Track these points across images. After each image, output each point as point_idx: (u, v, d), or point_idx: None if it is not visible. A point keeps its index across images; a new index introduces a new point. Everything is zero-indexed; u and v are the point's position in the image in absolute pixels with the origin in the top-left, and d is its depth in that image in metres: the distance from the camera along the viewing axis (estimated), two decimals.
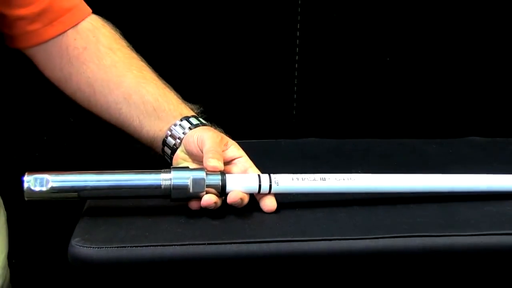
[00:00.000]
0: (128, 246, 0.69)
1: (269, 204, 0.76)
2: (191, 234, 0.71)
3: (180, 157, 0.81)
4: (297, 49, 1.25)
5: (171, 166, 0.76)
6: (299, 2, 1.22)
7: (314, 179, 0.77)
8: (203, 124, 0.83)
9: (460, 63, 1.28)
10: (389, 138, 1.08)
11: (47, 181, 0.71)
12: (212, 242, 0.70)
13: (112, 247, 0.68)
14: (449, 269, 0.76)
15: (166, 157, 0.84)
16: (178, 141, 0.82)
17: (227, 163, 0.78)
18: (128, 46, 0.88)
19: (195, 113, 0.85)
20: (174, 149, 0.82)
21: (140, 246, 0.69)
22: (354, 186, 0.78)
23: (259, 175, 0.76)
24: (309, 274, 0.75)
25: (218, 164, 0.74)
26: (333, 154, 1.01)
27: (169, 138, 0.83)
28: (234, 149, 0.80)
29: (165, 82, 0.88)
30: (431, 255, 0.74)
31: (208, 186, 0.74)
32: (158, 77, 0.87)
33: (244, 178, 0.76)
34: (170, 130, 0.82)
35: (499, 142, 1.09)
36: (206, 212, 0.75)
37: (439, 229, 0.74)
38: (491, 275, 0.78)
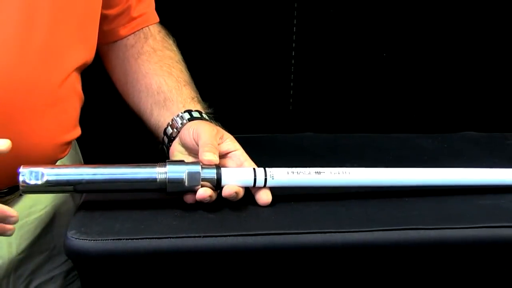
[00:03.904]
0: (123, 239, 0.69)
1: (264, 197, 0.76)
2: (187, 226, 0.71)
3: (177, 150, 0.82)
4: (294, 44, 1.25)
5: (167, 160, 0.76)
6: None
7: (309, 173, 0.77)
8: (203, 119, 0.83)
9: (456, 59, 1.28)
10: (384, 132, 1.09)
11: (42, 175, 0.71)
12: (208, 234, 0.70)
13: (108, 240, 0.69)
14: (444, 261, 0.76)
15: (164, 147, 0.84)
16: (176, 131, 0.83)
17: (222, 156, 0.78)
18: (173, 51, 0.93)
19: (203, 110, 0.86)
20: (171, 139, 0.83)
21: (136, 239, 0.69)
22: (349, 180, 0.78)
23: (254, 169, 0.76)
24: (304, 266, 0.75)
25: (213, 157, 0.75)
26: (329, 149, 1.02)
27: (169, 128, 0.84)
28: (229, 143, 0.80)
29: (191, 83, 0.90)
30: (426, 248, 0.74)
31: (203, 179, 0.74)
32: (186, 77, 0.90)
33: (239, 172, 0.76)
34: (172, 120, 0.84)
35: (495, 137, 1.09)
36: (201, 205, 0.75)
37: (434, 222, 0.74)
38: (485, 268, 0.78)
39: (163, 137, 0.85)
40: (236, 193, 0.75)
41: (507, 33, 1.27)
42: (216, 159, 0.75)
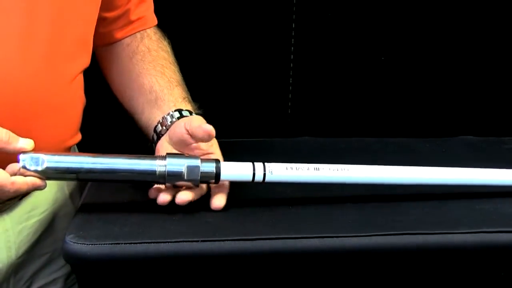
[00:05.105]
0: (122, 243, 0.69)
1: (217, 202, 0.77)
2: (185, 231, 0.71)
3: (163, 147, 0.82)
4: (292, 48, 1.25)
5: (167, 153, 0.76)
6: (294, 1, 1.22)
7: (308, 169, 0.77)
8: None
9: (453, 64, 1.28)
10: (382, 137, 1.09)
11: (43, 161, 0.71)
12: (206, 239, 0.70)
13: (106, 244, 0.69)
14: (442, 266, 0.76)
15: (153, 144, 0.85)
16: (165, 128, 0.83)
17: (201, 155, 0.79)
18: (167, 52, 0.94)
19: (194, 110, 0.86)
20: (159, 136, 0.84)
21: (134, 243, 0.69)
22: (347, 177, 0.78)
23: (253, 163, 0.76)
24: (302, 271, 0.75)
25: (212, 128, 0.76)
26: (327, 153, 1.02)
27: (159, 125, 0.84)
28: (210, 144, 0.81)
29: (183, 84, 0.90)
30: (424, 253, 0.74)
31: (202, 173, 0.74)
32: (178, 78, 0.91)
33: (238, 166, 0.76)
34: (162, 118, 0.84)
35: (491, 141, 1.09)
36: (199, 209, 0.76)
37: (431, 226, 0.75)
38: (483, 272, 0.78)
39: (152, 135, 0.86)
40: (190, 200, 0.76)
41: (503, 38, 1.27)
42: (214, 131, 0.76)
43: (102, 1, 0.86)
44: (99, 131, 1.07)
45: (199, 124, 0.78)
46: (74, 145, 0.87)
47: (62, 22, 0.78)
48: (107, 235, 0.70)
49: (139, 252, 0.69)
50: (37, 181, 0.72)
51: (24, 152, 0.71)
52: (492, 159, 0.99)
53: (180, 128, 0.80)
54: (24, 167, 0.71)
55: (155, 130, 0.85)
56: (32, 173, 0.71)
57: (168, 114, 0.84)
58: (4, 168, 0.71)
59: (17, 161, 0.71)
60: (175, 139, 0.81)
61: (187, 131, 0.79)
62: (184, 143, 0.79)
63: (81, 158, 0.73)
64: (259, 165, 0.76)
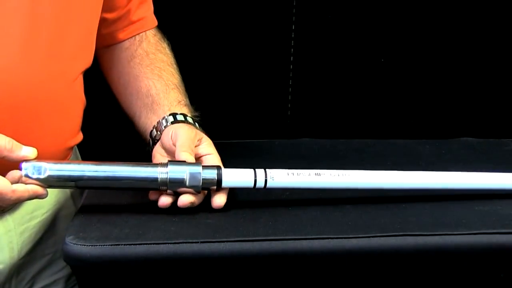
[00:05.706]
0: (122, 244, 0.69)
1: (218, 201, 0.77)
2: (185, 232, 0.72)
3: (158, 152, 0.83)
4: (292, 50, 1.26)
5: (168, 160, 0.76)
6: (294, 3, 1.23)
7: (309, 175, 0.77)
8: (187, 122, 0.84)
9: (453, 65, 1.29)
10: (382, 138, 1.09)
11: (45, 169, 0.71)
12: (206, 240, 0.70)
13: (106, 245, 0.69)
14: (441, 267, 0.76)
15: (149, 149, 0.85)
16: (159, 133, 0.84)
17: (197, 158, 0.79)
18: (166, 54, 0.94)
19: (189, 113, 0.86)
20: (155, 141, 0.84)
21: (134, 244, 0.69)
22: (348, 182, 0.78)
23: (255, 170, 0.76)
24: (301, 272, 0.75)
25: (189, 157, 0.75)
26: (327, 154, 1.02)
27: (154, 130, 0.85)
28: (205, 147, 0.81)
29: (181, 86, 0.90)
30: (423, 254, 0.74)
31: (204, 180, 0.74)
32: (176, 81, 0.91)
33: (240, 173, 0.76)
34: (157, 123, 0.85)
35: (492, 143, 1.09)
36: (199, 210, 0.76)
37: (431, 228, 0.75)
38: (482, 274, 0.78)
39: (149, 140, 0.86)
40: (192, 203, 0.75)
41: (503, 39, 1.28)
42: (192, 160, 0.76)
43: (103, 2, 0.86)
44: (100, 132, 1.08)
45: (179, 149, 0.77)
46: (75, 145, 0.87)
47: (64, 23, 0.78)
48: (107, 237, 0.70)
49: (139, 253, 0.69)
50: (38, 189, 0.72)
51: (27, 160, 0.71)
52: (492, 161, 0.99)
53: (167, 138, 0.81)
54: (26, 176, 0.71)
55: (150, 135, 0.85)
56: (34, 181, 0.71)
57: (163, 118, 0.84)
58: (5, 175, 0.71)
59: (19, 169, 0.71)
60: (164, 147, 0.82)
61: (173, 142, 0.79)
62: (173, 152, 0.79)
63: (82, 166, 0.73)
64: (260, 172, 0.76)
